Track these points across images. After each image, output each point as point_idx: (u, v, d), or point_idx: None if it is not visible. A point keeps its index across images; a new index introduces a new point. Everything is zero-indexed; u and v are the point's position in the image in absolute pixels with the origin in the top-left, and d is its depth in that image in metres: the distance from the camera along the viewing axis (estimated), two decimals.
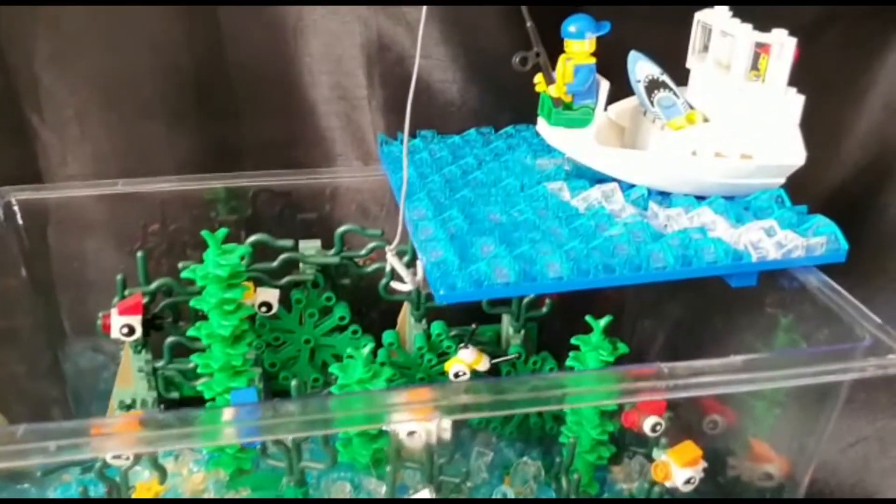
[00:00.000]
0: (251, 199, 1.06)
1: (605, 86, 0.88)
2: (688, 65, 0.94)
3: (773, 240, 0.81)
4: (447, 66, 1.05)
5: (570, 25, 0.86)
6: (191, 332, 0.90)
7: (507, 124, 1.08)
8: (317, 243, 1.01)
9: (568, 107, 0.88)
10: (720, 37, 0.89)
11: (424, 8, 0.82)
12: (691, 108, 0.92)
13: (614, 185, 0.89)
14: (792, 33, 0.88)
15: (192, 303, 0.89)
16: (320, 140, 1.10)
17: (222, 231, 0.88)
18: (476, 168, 0.97)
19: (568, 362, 0.97)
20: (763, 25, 0.89)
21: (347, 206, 1.10)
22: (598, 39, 0.86)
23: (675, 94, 0.92)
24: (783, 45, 0.84)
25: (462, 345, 0.97)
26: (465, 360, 0.96)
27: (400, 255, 0.94)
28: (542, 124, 0.91)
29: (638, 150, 0.87)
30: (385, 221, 1.10)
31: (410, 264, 1.00)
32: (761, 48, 0.86)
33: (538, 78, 0.87)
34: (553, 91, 0.86)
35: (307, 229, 1.08)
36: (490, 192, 0.90)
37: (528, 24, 0.84)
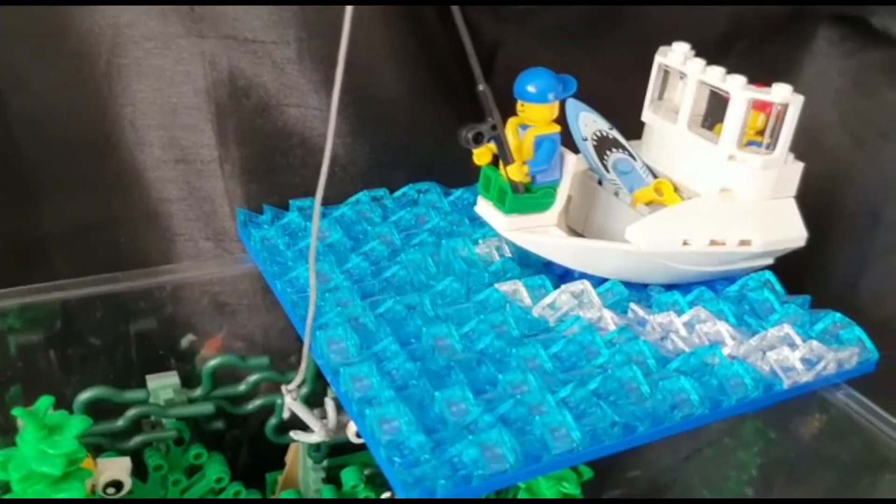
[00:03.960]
0: (60, 310, 0.75)
1: (571, 160, 0.67)
2: (644, 118, 0.76)
3: (797, 354, 0.64)
4: (328, 117, 0.79)
5: (529, 84, 0.64)
6: None
7: (402, 184, 0.84)
8: (172, 380, 0.72)
9: (526, 188, 0.66)
10: (697, 87, 0.70)
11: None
12: (652, 173, 0.73)
13: (584, 284, 0.69)
14: (698, 49, 0.72)
15: None
16: (152, 217, 0.81)
17: (45, 401, 0.59)
18: (390, 259, 0.73)
19: (520, 495, 0.77)
20: (669, 41, 0.73)
21: (196, 306, 0.81)
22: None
23: (630, 154, 0.74)
24: (790, 104, 0.67)
25: (388, 495, 0.74)
26: None
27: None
28: (484, 207, 0.69)
29: (619, 244, 0.68)
30: (250, 320, 0.83)
31: (309, 397, 0.75)
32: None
33: (480, 150, 0.65)
34: (514, 173, 0.64)
35: (146, 345, 0.79)
36: (424, 302, 0.67)
37: (481, 87, 0.61)
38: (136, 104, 0.77)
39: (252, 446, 0.82)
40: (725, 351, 0.64)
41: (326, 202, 0.83)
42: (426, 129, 0.85)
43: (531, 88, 0.64)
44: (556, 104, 0.65)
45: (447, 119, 0.86)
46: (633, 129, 0.77)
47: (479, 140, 0.62)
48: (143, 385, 0.72)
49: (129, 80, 0.76)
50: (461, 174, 0.84)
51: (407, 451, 0.54)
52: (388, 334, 0.63)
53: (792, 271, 0.82)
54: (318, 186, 0.58)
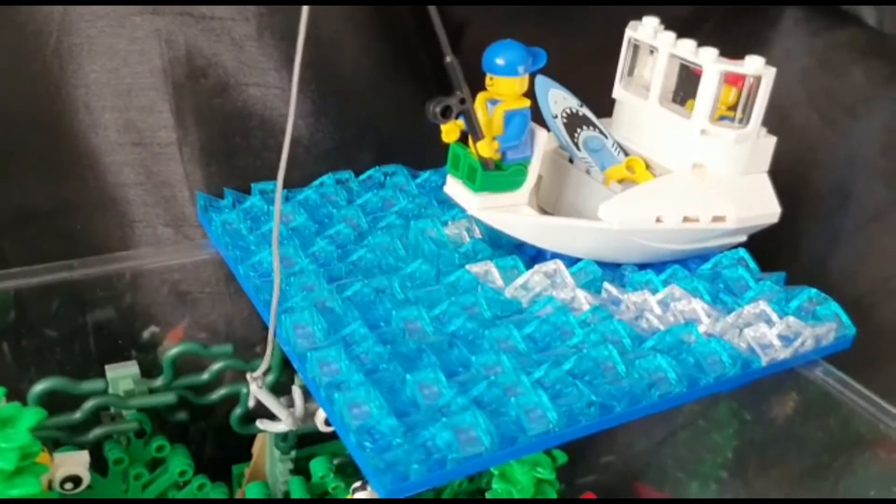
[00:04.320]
0: (13, 300, 0.72)
1: (542, 136, 0.65)
2: (615, 94, 0.74)
3: (774, 331, 0.63)
4: (290, 96, 0.76)
5: (498, 57, 0.62)
6: None
7: (368, 166, 0.82)
8: (132, 369, 0.70)
9: (497, 165, 0.64)
10: (667, 61, 0.69)
11: None
12: (623, 151, 0.72)
13: (557, 264, 0.67)
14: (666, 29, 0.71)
15: None
16: (108, 202, 0.77)
17: None
18: (357, 242, 0.71)
19: (494, 483, 0.76)
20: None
21: (156, 294, 0.78)
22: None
23: (601, 132, 0.72)
24: (762, 76, 0.66)
25: (358, 484, 0.71)
26: None
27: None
28: (454, 186, 0.67)
29: (592, 222, 0.66)
30: (213, 309, 0.81)
31: (275, 386, 0.73)
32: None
33: (449, 127, 0.63)
34: (484, 149, 0.62)
35: (104, 335, 0.76)
36: (393, 285, 0.65)
37: (448, 58, 0.59)
38: (89, 85, 0.74)
39: (217, 438, 0.80)
40: (701, 329, 0.63)
41: (290, 185, 0.80)
42: (391, 109, 0.83)
43: (500, 61, 0.62)
44: (526, 77, 0.63)
45: (413, 99, 0.84)
46: (601, 107, 0.76)
47: (447, 114, 0.59)
48: (101, 376, 0.69)
49: (81, 60, 0.73)
50: (429, 156, 0.83)
51: (378, 436, 0.52)
52: (357, 318, 0.61)
53: (763, 250, 0.81)
54: (280, 167, 0.56)
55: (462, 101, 0.60)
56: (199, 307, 0.81)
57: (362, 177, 0.81)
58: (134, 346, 0.77)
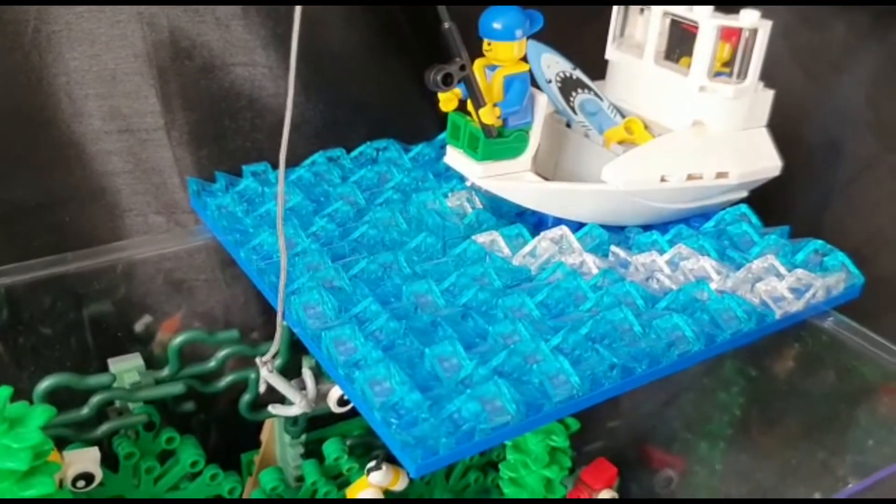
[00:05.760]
0: (5, 297, 0.70)
1: (542, 100, 0.64)
2: (608, 55, 0.73)
3: (785, 284, 0.63)
4: (279, 75, 0.75)
5: (495, 21, 0.61)
6: None
7: (358, 142, 0.81)
8: (136, 362, 0.68)
9: (498, 132, 0.63)
10: (661, 19, 0.68)
11: None
12: (620, 112, 0.71)
13: (563, 229, 0.67)
14: None
15: None
16: (96, 193, 0.76)
17: (3, 391, 0.54)
18: (357, 219, 0.70)
19: (508, 454, 0.75)
20: None
21: (151, 284, 0.77)
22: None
23: (596, 94, 0.72)
24: (758, 29, 0.65)
25: (373, 464, 0.70)
26: (379, 484, 0.71)
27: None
28: (455, 156, 0.66)
29: (600, 185, 0.65)
30: (209, 296, 0.79)
31: (282, 370, 0.71)
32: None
33: (447, 95, 0.62)
34: (486, 116, 0.61)
35: (101, 329, 0.74)
36: (399, 259, 0.64)
37: (446, 24, 0.58)
38: (70, 73, 0.71)
39: (222, 426, 0.79)
40: (713, 286, 0.63)
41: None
42: (379, 85, 0.81)
43: (497, 25, 0.61)
44: (524, 41, 0.62)
45: (400, 74, 0.83)
46: (589, 69, 0.75)
47: (448, 82, 0.58)
48: (102, 371, 0.68)
49: (60, 48, 0.71)
50: (419, 130, 0.81)
51: (404, 412, 0.51)
52: (367, 295, 0.60)
53: (757, 207, 0.82)
54: (282, 146, 0.54)
55: (462, 68, 0.59)
56: (196, 295, 0.79)
57: (354, 153, 0.80)
58: (132, 338, 0.76)
